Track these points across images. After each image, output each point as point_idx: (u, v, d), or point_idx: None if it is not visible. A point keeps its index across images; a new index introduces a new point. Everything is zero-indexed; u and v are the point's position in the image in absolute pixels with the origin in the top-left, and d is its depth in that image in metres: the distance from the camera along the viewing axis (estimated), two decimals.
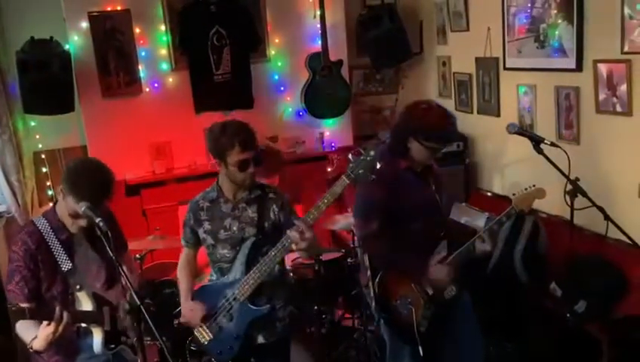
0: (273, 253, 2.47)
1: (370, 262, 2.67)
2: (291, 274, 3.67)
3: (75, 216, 2.36)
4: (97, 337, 2.39)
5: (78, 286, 2.36)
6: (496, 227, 2.64)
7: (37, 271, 2.36)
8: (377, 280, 2.64)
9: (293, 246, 2.45)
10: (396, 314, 2.66)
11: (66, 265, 2.39)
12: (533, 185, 2.66)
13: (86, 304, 2.37)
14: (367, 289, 2.73)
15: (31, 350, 2.28)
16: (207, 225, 2.64)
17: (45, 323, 2.22)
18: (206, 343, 2.63)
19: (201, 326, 2.62)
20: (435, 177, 2.81)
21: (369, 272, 2.65)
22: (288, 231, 2.40)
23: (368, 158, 2.34)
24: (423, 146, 2.59)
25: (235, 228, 2.58)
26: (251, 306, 2.54)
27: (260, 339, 2.63)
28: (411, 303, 2.64)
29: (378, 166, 2.34)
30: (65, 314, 2.25)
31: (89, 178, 2.32)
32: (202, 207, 2.66)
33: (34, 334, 2.25)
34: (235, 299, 2.54)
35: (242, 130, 2.51)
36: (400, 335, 2.71)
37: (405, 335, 2.67)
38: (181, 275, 2.79)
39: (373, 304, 2.66)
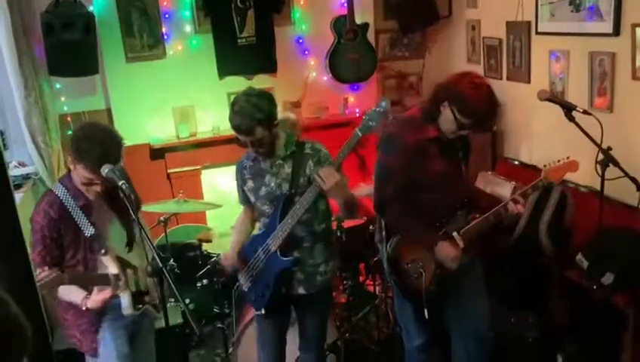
0: (298, 205, 2.53)
1: (385, 224, 2.66)
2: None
3: (88, 183, 2.35)
4: (125, 299, 2.44)
5: (102, 251, 2.39)
6: (531, 191, 2.58)
7: (60, 239, 2.39)
8: (391, 242, 2.63)
9: (323, 187, 2.44)
10: (406, 276, 2.67)
11: (88, 231, 2.40)
12: (568, 157, 2.54)
13: (111, 267, 2.41)
14: (382, 245, 2.73)
15: (84, 308, 2.38)
16: (250, 183, 2.71)
17: (98, 288, 2.36)
18: (246, 289, 2.79)
19: (243, 274, 2.78)
20: (467, 148, 2.74)
21: (383, 233, 2.64)
22: (315, 173, 2.45)
23: (379, 110, 2.36)
24: (452, 116, 2.50)
25: (273, 185, 2.64)
26: (280, 257, 2.62)
27: (301, 291, 2.72)
28: (422, 267, 2.63)
29: (390, 118, 2.31)
30: (122, 278, 2.36)
31: (93, 144, 2.29)
32: (245, 166, 2.73)
33: (82, 293, 2.37)
34: (268, 249, 2.64)
35: (238, 114, 2.48)
36: (407, 297, 2.73)
37: (413, 296, 2.67)
38: (234, 230, 2.94)
39: (386, 265, 2.65)
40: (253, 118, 2.46)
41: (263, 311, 2.72)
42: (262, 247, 2.66)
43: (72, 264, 2.43)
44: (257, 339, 2.90)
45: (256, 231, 2.85)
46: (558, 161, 2.55)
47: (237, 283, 3.08)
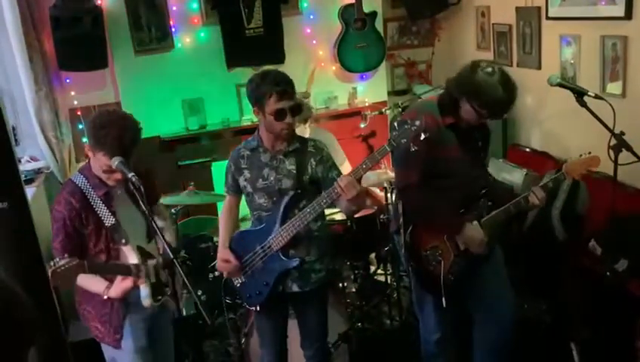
0: (310, 209, 2.49)
1: (403, 210, 2.63)
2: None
3: (109, 170, 2.35)
4: (144, 290, 2.44)
5: (123, 241, 2.41)
6: (551, 184, 2.59)
7: (82, 228, 2.39)
8: (410, 228, 2.61)
9: (342, 196, 2.41)
10: (424, 264, 2.65)
11: (109, 221, 2.41)
12: (589, 152, 2.58)
13: (132, 258, 2.42)
14: (398, 236, 2.71)
15: (105, 297, 2.39)
16: (246, 174, 2.67)
17: (120, 277, 2.37)
18: (238, 285, 2.74)
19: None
20: (486, 138, 2.72)
21: (401, 219, 2.62)
22: (336, 181, 2.39)
23: (413, 128, 2.27)
24: (474, 110, 2.47)
25: (272, 179, 2.61)
26: (282, 257, 2.59)
27: (295, 288, 2.68)
28: (441, 255, 2.62)
29: (422, 137, 2.26)
30: (142, 268, 2.37)
31: (111, 129, 2.29)
32: (243, 155, 2.69)
33: (103, 283, 2.39)
34: (269, 247, 2.60)
35: (281, 79, 2.52)
36: (425, 285, 2.71)
37: (431, 285, 2.66)
38: (222, 222, 2.86)
39: (403, 251, 2.64)
40: (291, 80, 2.54)
41: (257, 308, 2.70)
42: (261, 245, 2.61)
43: (96, 252, 2.44)
44: (258, 336, 2.89)
45: (247, 224, 2.78)
46: (580, 155, 2.57)
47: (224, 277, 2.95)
